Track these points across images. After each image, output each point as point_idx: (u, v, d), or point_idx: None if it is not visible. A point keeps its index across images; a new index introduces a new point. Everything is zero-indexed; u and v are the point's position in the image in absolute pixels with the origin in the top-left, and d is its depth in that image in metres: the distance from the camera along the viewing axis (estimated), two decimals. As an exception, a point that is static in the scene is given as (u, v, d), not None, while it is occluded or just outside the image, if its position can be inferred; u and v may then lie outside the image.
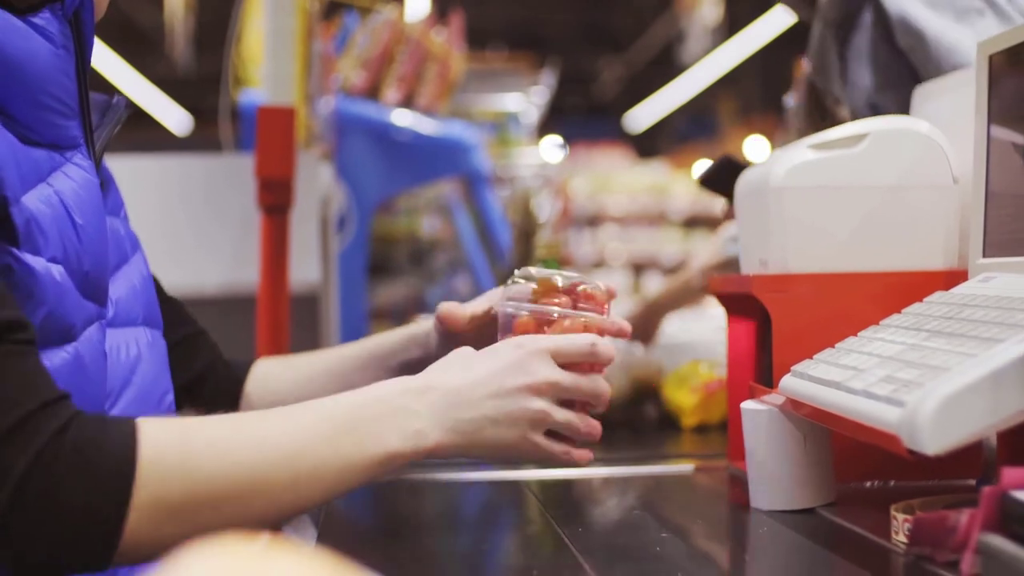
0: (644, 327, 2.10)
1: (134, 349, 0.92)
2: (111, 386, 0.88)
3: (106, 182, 0.97)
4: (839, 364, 0.91)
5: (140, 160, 2.01)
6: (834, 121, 1.67)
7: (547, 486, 1.21)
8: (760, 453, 0.99)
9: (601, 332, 0.96)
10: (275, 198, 1.84)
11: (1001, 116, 0.97)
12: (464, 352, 0.91)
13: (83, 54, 0.87)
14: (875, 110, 1.55)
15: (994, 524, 0.68)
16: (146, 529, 0.72)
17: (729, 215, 1.69)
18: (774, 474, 0.99)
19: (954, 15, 1.44)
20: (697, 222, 7.69)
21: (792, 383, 0.96)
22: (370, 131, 2.82)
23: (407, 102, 2.94)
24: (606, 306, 0.99)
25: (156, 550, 0.73)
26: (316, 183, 2.21)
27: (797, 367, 0.98)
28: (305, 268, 2.11)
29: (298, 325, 1.97)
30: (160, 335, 0.99)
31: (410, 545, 0.98)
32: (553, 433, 0.91)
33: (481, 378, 0.86)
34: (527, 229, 2.35)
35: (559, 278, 0.99)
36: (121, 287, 0.93)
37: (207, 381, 1.15)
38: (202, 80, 9.70)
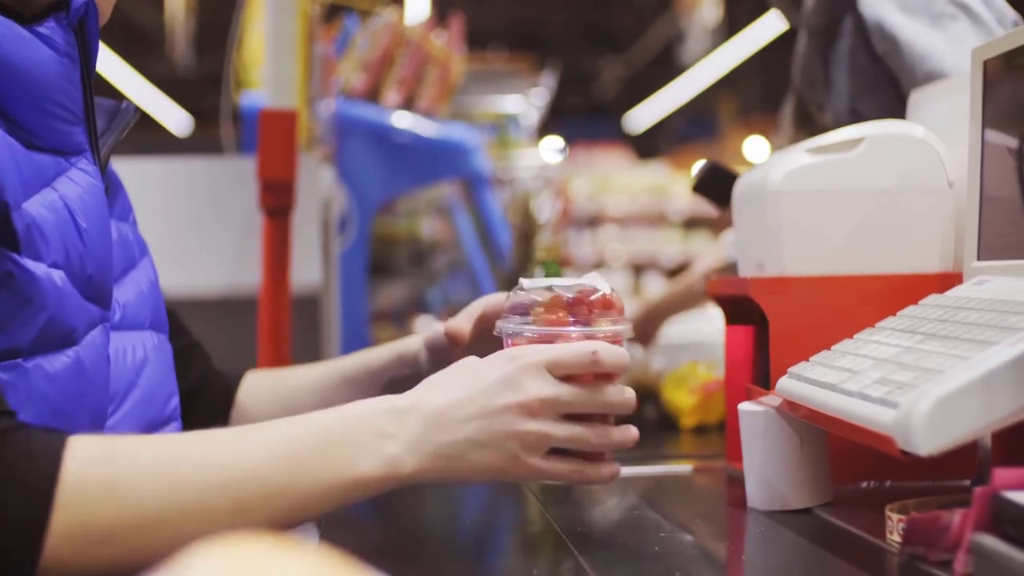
0: (645, 330, 2.11)
1: (140, 352, 0.93)
2: (116, 389, 0.89)
3: (114, 187, 0.98)
4: (835, 366, 0.93)
5: (142, 162, 2.02)
6: (816, 127, 1.69)
7: (547, 486, 1.22)
8: (757, 454, 1.00)
9: (616, 341, 0.88)
10: (277, 200, 1.85)
11: (995, 121, 0.98)
12: (457, 367, 0.84)
13: (88, 61, 0.88)
14: (856, 116, 1.57)
15: (986, 524, 0.70)
16: (70, 552, 0.69)
17: (723, 220, 1.70)
18: (771, 475, 1.00)
19: (928, 20, 1.45)
20: (697, 223, 7.71)
21: (789, 385, 0.97)
22: (370, 133, 2.83)
23: (407, 104, 2.96)
24: (623, 311, 0.91)
25: (89, 572, 0.70)
26: (317, 185, 2.22)
27: (794, 369, 0.99)
28: (307, 270, 2.13)
29: (299, 326, 1.98)
30: (166, 339, 1.00)
31: (411, 544, 0.99)
32: (566, 451, 0.84)
33: (465, 397, 0.79)
34: (527, 231, 2.36)
35: (565, 289, 0.90)
36: (129, 291, 0.94)
37: (201, 393, 1.16)
38: (202, 81, 9.71)
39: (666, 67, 10.71)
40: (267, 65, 1.93)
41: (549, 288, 0.89)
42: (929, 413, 0.73)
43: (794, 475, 0.99)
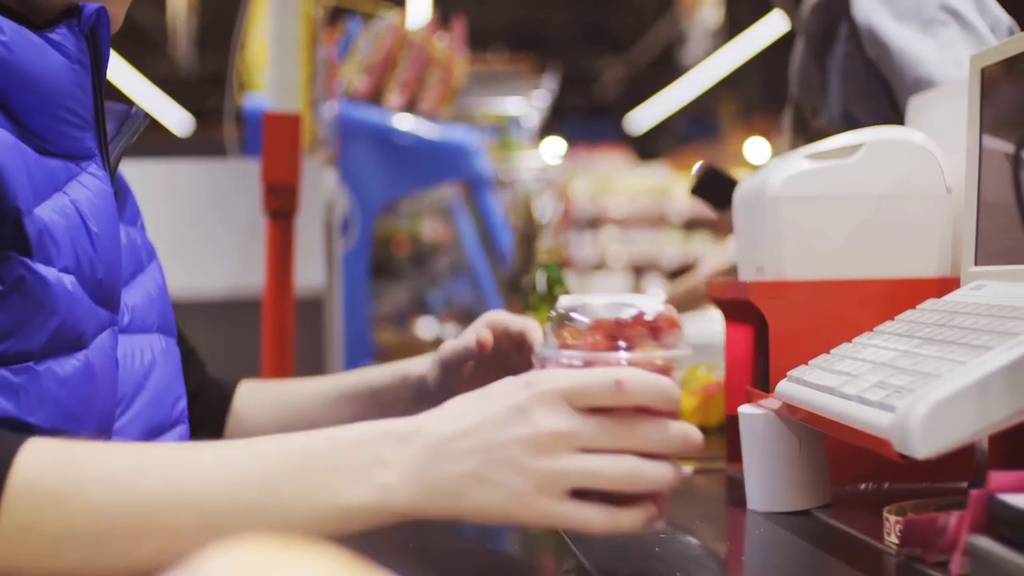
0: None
1: (148, 356, 0.94)
2: (124, 391, 0.90)
3: (123, 192, 1.00)
4: (833, 370, 0.94)
5: (146, 164, 2.03)
6: (811, 132, 1.70)
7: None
8: (757, 456, 1.02)
9: (663, 369, 0.75)
10: (281, 203, 1.86)
11: (993, 127, 1.00)
12: (473, 393, 0.74)
13: (99, 67, 0.90)
14: (849, 120, 1.58)
15: (982, 526, 0.71)
16: (16, 557, 0.67)
17: (722, 221, 1.71)
18: (770, 477, 1.01)
19: (919, 26, 1.46)
20: (697, 224, 7.72)
21: (788, 388, 0.98)
22: (373, 136, 2.85)
23: (410, 107, 2.97)
24: (679, 334, 0.78)
25: None
26: (321, 188, 2.23)
27: (793, 372, 1.00)
28: (310, 272, 2.14)
29: (303, 328, 1.99)
30: (175, 343, 1.01)
31: (412, 544, 1.00)
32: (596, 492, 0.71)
33: (471, 426, 0.69)
34: (529, 233, 2.38)
35: (608, 308, 0.77)
36: (137, 295, 0.95)
37: (197, 400, 1.16)
38: (204, 81, 9.73)
39: (667, 68, 10.72)
40: (271, 68, 1.95)
41: (591, 307, 0.77)
42: (926, 417, 0.74)
43: (793, 477, 1.01)
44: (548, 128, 4.89)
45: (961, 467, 1.05)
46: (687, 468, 1.33)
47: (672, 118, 12.92)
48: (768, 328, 1.11)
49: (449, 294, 3.66)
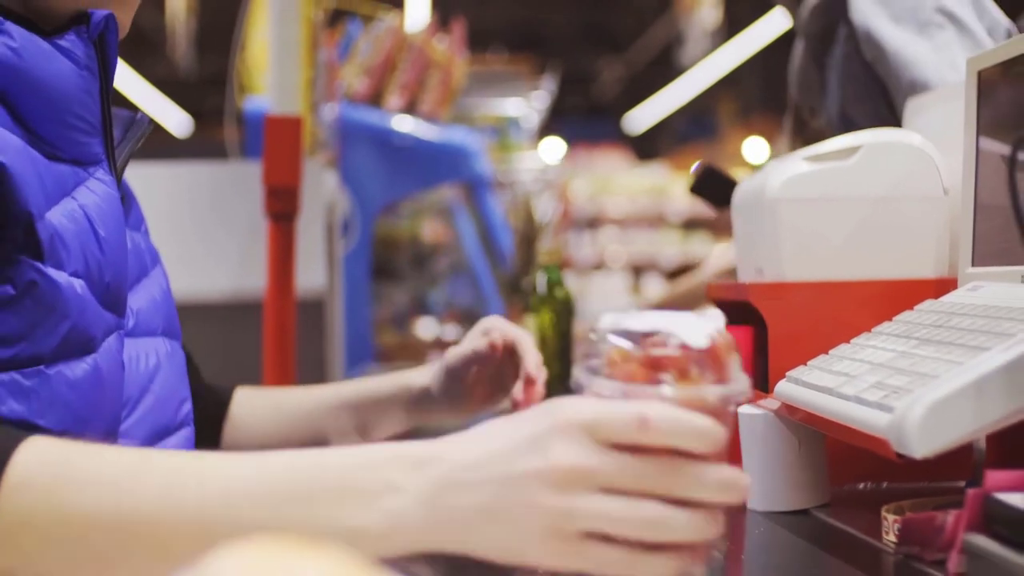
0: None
1: (153, 359, 0.95)
2: (129, 394, 0.90)
3: (127, 197, 1.00)
4: (832, 370, 0.95)
5: (148, 167, 2.04)
6: (808, 133, 1.71)
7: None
8: (756, 456, 1.02)
9: (713, 409, 0.65)
10: (282, 206, 1.87)
11: (989, 129, 1.00)
12: (503, 419, 0.67)
13: (106, 74, 0.91)
14: (847, 122, 1.59)
15: (978, 524, 0.72)
16: (10, 555, 0.66)
17: (721, 220, 1.73)
18: (770, 476, 1.02)
19: (915, 29, 1.47)
20: (696, 224, 7.73)
21: (787, 388, 0.99)
22: (373, 137, 2.86)
23: (410, 109, 2.98)
24: (731, 366, 0.67)
25: None
26: (321, 190, 2.24)
27: (792, 373, 1.01)
28: (311, 274, 2.15)
29: (304, 330, 2.00)
30: (179, 346, 1.02)
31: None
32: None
33: (487, 455, 0.63)
34: (529, 234, 2.39)
35: (651, 332, 0.66)
36: (142, 299, 0.96)
37: (193, 406, 1.17)
38: (203, 82, 9.74)
39: (666, 68, 10.74)
40: (271, 71, 1.95)
41: (634, 331, 0.67)
42: (923, 417, 0.75)
43: (792, 477, 1.02)
44: (547, 128, 4.91)
45: (959, 466, 1.06)
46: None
47: (671, 118, 12.93)
48: (767, 329, 1.12)
49: (449, 295, 3.67)
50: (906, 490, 1.06)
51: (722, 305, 1.32)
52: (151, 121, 1.01)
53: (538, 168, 3.80)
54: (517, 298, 2.31)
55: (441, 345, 3.09)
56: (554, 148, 8.07)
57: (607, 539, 0.62)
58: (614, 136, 12.67)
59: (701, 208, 7.35)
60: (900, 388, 0.81)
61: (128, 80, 9.98)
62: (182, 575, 0.48)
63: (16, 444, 0.68)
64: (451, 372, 1.21)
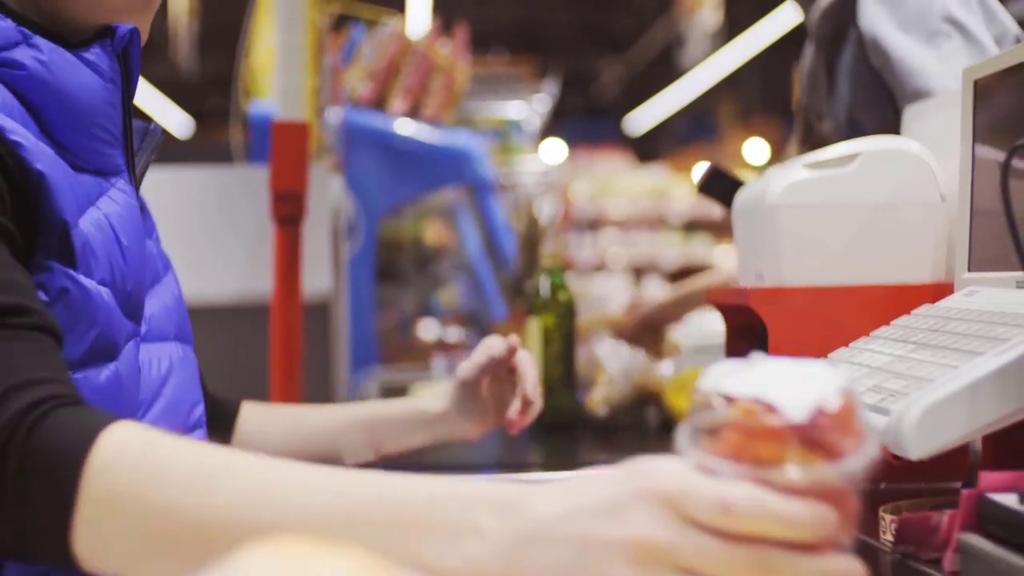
0: (663, 320, 2.16)
1: (165, 363, 0.97)
2: (142, 398, 0.92)
3: (143, 207, 1.03)
4: (831, 374, 0.97)
5: (154, 171, 2.06)
6: (815, 138, 1.72)
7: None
8: (757, 457, 1.04)
9: (831, 493, 0.57)
10: (289, 210, 1.89)
11: (985, 137, 1.03)
12: (592, 472, 0.63)
13: (129, 86, 0.93)
14: (855, 127, 1.60)
15: (972, 524, 0.74)
16: (93, 538, 0.67)
17: (725, 220, 1.75)
18: (770, 477, 1.04)
19: (923, 37, 1.47)
20: (697, 226, 7.74)
21: (787, 391, 1.01)
22: (377, 141, 2.88)
23: (413, 112, 3.00)
24: (861, 435, 0.58)
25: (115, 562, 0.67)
26: (327, 194, 2.27)
27: (792, 376, 1.03)
28: (317, 277, 2.17)
29: (310, 332, 2.02)
30: (191, 350, 1.04)
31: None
32: None
33: (567, 512, 0.60)
34: (532, 238, 2.41)
35: (764, 394, 0.57)
36: (154, 304, 0.98)
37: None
38: (205, 83, 9.76)
39: (666, 68, 10.75)
40: (277, 77, 1.98)
41: (741, 394, 0.59)
42: (919, 420, 0.77)
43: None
44: (548, 130, 4.92)
45: (955, 468, 1.08)
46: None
47: (671, 119, 12.94)
48: (767, 333, 1.14)
49: (462, 302, 3.69)
50: (903, 491, 1.08)
51: (723, 309, 1.34)
52: (163, 131, 1.03)
53: (540, 170, 3.82)
54: (520, 300, 2.33)
55: (444, 347, 3.11)
56: (555, 150, 8.09)
57: None
58: (614, 137, 12.68)
59: (702, 210, 7.38)
60: (897, 392, 0.83)
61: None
62: (207, 573, 0.50)
63: (101, 428, 0.68)
64: (465, 386, 1.23)
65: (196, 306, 1.19)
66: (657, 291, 6.26)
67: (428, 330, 3.46)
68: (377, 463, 1.23)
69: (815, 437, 0.56)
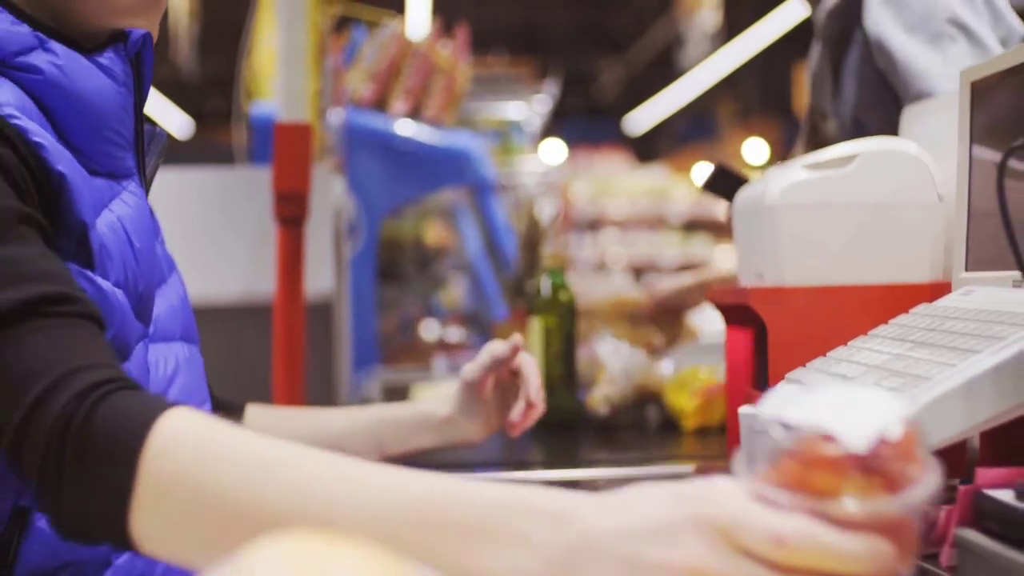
0: (694, 300, 2.17)
1: (172, 364, 0.98)
2: None
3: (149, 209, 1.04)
4: (830, 372, 0.97)
5: (158, 172, 2.07)
6: (819, 138, 1.73)
7: (554, 485, 1.27)
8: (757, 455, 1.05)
9: (899, 530, 0.56)
10: (291, 211, 1.91)
11: (982, 138, 1.04)
12: (647, 486, 0.62)
13: (141, 90, 0.94)
14: (859, 127, 1.60)
15: (969, 520, 0.75)
16: (151, 520, 0.68)
17: (728, 219, 1.76)
18: (770, 475, 1.05)
19: (927, 40, 1.47)
20: (697, 226, 7.75)
21: (787, 390, 1.02)
22: (378, 142, 2.90)
23: (414, 113, 3.01)
24: (924, 465, 0.57)
25: (171, 539, 0.68)
26: (329, 195, 2.28)
27: (791, 374, 1.03)
28: (319, 277, 2.18)
29: (312, 332, 2.04)
30: (197, 350, 1.06)
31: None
32: None
33: (624, 530, 0.59)
34: (532, 238, 2.42)
35: (826, 422, 0.56)
36: (160, 305, 1.00)
37: None
38: (205, 84, 9.77)
39: (666, 69, 10.76)
40: (279, 78, 1.99)
41: (801, 424, 0.57)
42: (916, 417, 0.78)
43: (792, 475, 1.04)
44: (547, 130, 4.93)
45: (953, 464, 1.08)
46: (688, 466, 1.37)
47: (671, 119, 12.95)
48: (767, 332, 1.15)
49: (467, 305, 3.70)
50: (902, 488, 1.09)
51: (723, 309, 1.35)
52: (168, 135, 1.05)
53: (540, 171, 3.83)
54: (521, 300, 2.34)
55: (445, 347, 3.12)
56: (555, 150, 8.10)
57: None
58: (614, 137, 12.69)
59: (702, 210, 7.39)
60: (895, 389, 0.84)
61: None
62: (221, 566, 0.51)
63: (159, 414, 0.69)
64: (469, 388, 1.24)
65: (199, 306, 1.20)
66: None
67: (429, 330, 3.47)
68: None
69: (876, 467, 0.55)
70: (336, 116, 2.60)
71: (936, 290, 1.09)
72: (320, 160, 2.35)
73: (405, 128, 2.98)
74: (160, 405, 0.70)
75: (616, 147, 10.00)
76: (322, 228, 2.20)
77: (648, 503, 0.60)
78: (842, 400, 0.57)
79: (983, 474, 0.75)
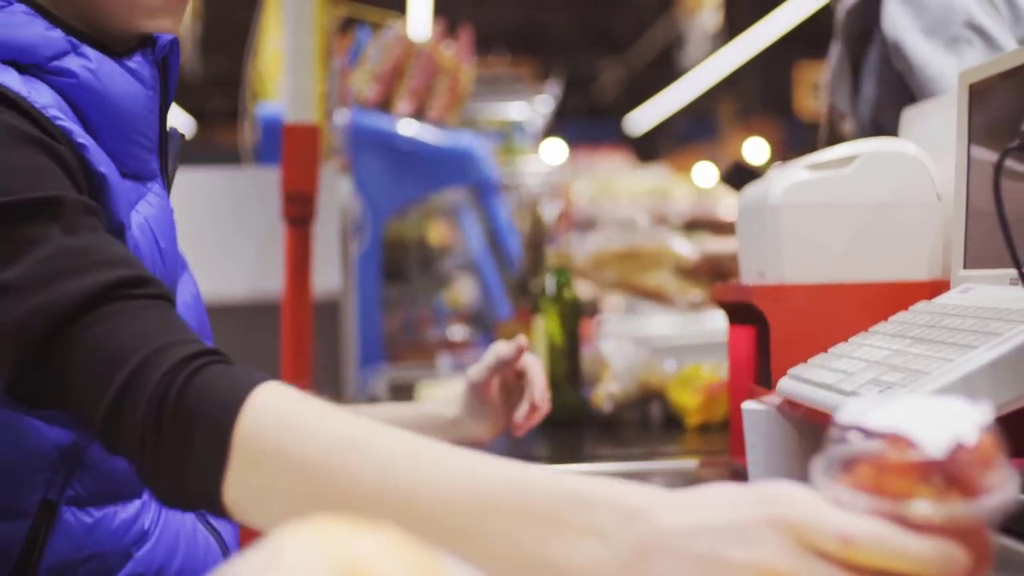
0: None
1: None
2: None
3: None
4: (831, 368, 0.99)
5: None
6: (835, 138, 1.74)
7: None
8: (760, 449, 1.08)
9: (974, 537, 0.56)
10: (299, 210, 1.93)
11: (980, 139, 1.06)
12: (721, 485, 0.63)
13: (166, 94, 0.97)
14: (878, 127, 1.60)
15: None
16: (242, 490, 0.70)
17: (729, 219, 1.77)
18: (773, 469, 1.07)
19: (944, 43, 1.47)
20: (697, 225, 7.77)
21: (788, 385, 1.04)
22: (383, 142, 2.92)
23: (418, 114, 3.04)
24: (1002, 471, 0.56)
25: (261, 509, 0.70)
26: (336, 195, 2.30)
27: (793, 370, 1.05)
28: (326, 276, 2.20)
29: (319, 330, 2.06)
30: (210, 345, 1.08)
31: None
32: None
33: (699, 527, 0.59)
34: (536, 238, 2.44)
35: (908, 430, 0.56)
36: (176, 303, 1.02)
37: None
38: (207, 84, 9.79)
39: (666, 69, 10.78)
40: (286, 80, 2.01)
41: (878, 429, 0.57)
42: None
43: (794, 468, 1.07)
44: (548, 130, 4.95)
45: (951, 459, 1.11)
46: (692, 461, 1.39)
47: (671, 119, 12.97)
48: (769, 329, 1.17)
49: (456, 296, 3.72)
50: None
51: (726, 306, 1.37)
52: (182, 135, 1.07)
53: (542, 171, 3.85)
54: (525, 299, 2.37)
55: (449, 346, 3.15)
56: (556, 150, 8.11)
57: None
58: (615, 137, 12.70)
59: (702, 209, 7.40)
60: (894, 384, 0.86)
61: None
62: (253, 550, 0.53)
63: (254, 386, 0.71)
64: (475, 388, 1.26)
65: (208, 305, 1.22)
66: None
67: (433, 329, 3.49)
68: None
69: (953, 473, 0.55)
70: (341, 117, 2.62)
71: (935, 288, 1.11)
72: (327, 160, 2.37)
73: (409, 128, 3.01)
74: (253, 379, 0.72)
75: (617, 147, 10.02)
76: (329, 227, 2.22)
77: (721, 502, 0.61)
78: (920, 408, 0.58)
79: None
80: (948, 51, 1.47)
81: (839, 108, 1.75)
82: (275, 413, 0.70)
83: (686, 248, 2.37)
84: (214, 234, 2.22)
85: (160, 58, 0.95)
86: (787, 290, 1.17)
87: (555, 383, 1.75)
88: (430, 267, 3.71)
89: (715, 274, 2.23)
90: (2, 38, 0.86)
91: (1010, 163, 0.95)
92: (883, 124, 1.60)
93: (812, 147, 1.58)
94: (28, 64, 0.87)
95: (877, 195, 1.18)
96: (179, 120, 12.17)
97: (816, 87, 11.03)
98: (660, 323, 2.22)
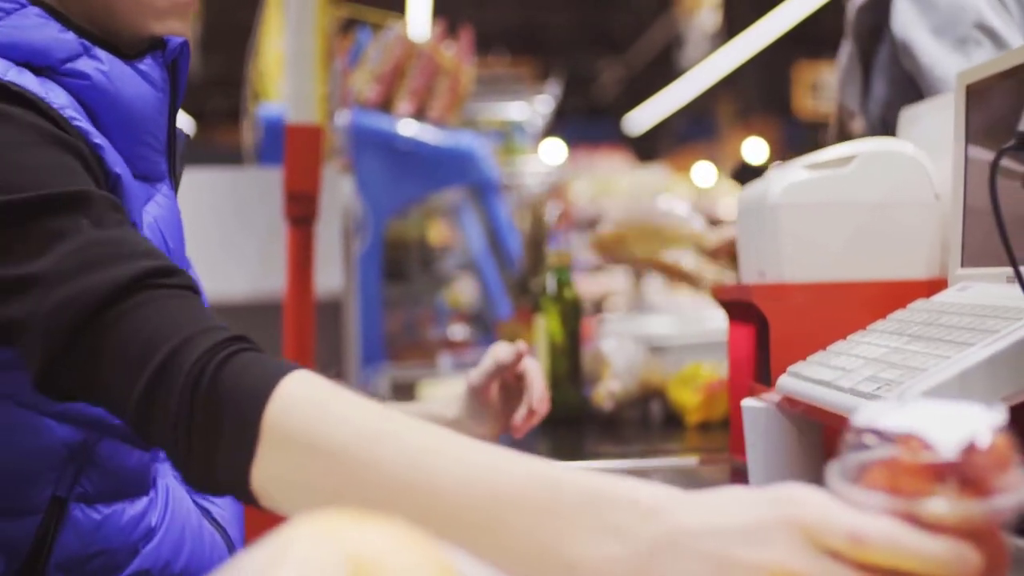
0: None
1: None
2: None
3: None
4: (830, 365, 1.00)
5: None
6: (844, 137, 1.74)
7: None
8: (760, 446, 1.09)
9: (987, 539, 0.56)
10: (302, 211, 1.94)
11: (977, 138, 1.07)
12: (736, 488, 0.64)
13: (176, 96, 0.98)
14: (887, 127, 1.60)
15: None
16: (271, 476, 0.71)
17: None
18: (773, 465, 1.08)
19: (953, 44, 1.46)
20: (697, 224, 7.77)
21: (788, 382, 1.05)
22: (384, 142, 2.93)
23: (419, 114, 3.05)
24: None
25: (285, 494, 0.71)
26: (338, 195, 2.31)
27: (792, 368, 1.06)
28: (328, 276, 2.21)
29: (321, 329, 2.07)
30: None
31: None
32: None
33: (713, 528, 0.60)
34: (537, 237, 2.45)
35: (922, 431, 0.56)
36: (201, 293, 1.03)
37: None
38: (207, 84, 9.80)
39: (665, 68, 10.78)
40: (288, 80, 2.02)
41: (893, 431, 0.58)
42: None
43: (793, 465, 1.08)
44: (548, 130, 4.96)
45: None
46: (693, 458, 1.40)
47: (671, 119, 12.97)
48: (769, 327, 1.18)
49: (457, 295, 3.73)
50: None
51: (726, 305, 1.38)
52: (187, 136, 1.08)
53: (542, 171, 3.86)
54: (525, 299, 2.38)
55: (450, 345, 3.16)
56: (556, 150, 8.12)
57: None
58: (614, 137, 12.70)
59: (702, 209, 7.42)
60: (892, 381, 0.87)
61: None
62: (262, 543, 0.54)
63: (284, 374, 0.72)
64: (475, 391, 1.27)
65: (210, 305, 1.23)
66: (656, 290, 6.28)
67: (434, 328, 3.50)
68: None
69: (967, 474, 0.55)
70: (342, 117, 2.63)
71: (933, 286, 1.11)
72: (328, 161, 2.38)
73: (409, 128, 3.02)
74: (282, 367, 0.73)
75: (616, 147, 10.02)
76: (331, 227, 2.24)
77: (735, 504, 0.61)
78: (935, 411, 0.58)
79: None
80: (957, 51, 1.46)
81: (849, 107, 1.75)
82: (304, 402, 0.71)
83: (707, 229, 2.37)
84: (217, 234, 2.23)
85: (170, 60, 0.96)
86: (786, 289, 1.18)
87: (556, 382, 1.77)
88: (431, 267, 3.73)
89: (735, 257, 2.23)
90: (17, 40, 0.87)
91: (1006, 163, 0.96)
92: (893, 124, 1.60)
93: (811, 146, 1.59)
94: (42, 66, 0.88)
95: (875, 194, 1.19)
96: (179, 120, 12.24)
97: (815, 87, 11.05)
98: (660, 322, 2.23)
